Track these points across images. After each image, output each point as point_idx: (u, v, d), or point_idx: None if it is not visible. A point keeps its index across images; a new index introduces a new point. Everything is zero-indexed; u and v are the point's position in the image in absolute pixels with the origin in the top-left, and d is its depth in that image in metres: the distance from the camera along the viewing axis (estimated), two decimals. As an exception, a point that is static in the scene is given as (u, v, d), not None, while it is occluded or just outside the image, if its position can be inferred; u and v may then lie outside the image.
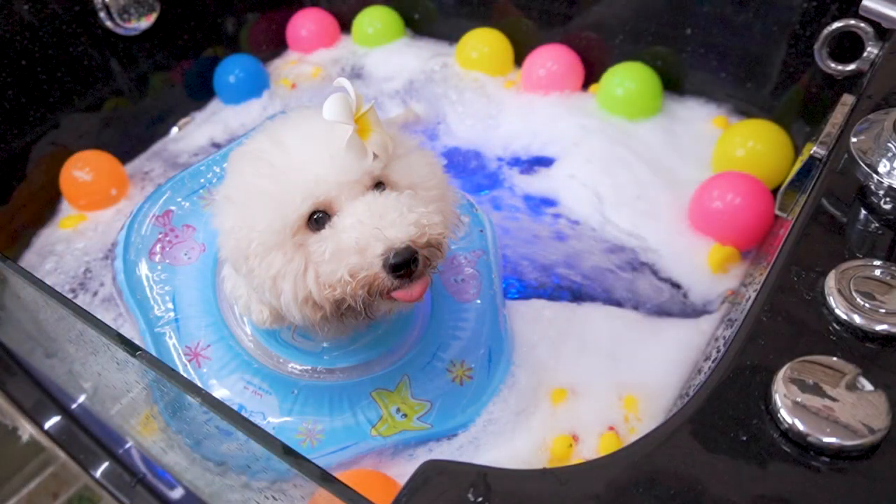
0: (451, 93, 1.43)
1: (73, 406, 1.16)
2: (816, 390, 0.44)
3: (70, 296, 1.10)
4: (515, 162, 1.28)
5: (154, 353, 0.81)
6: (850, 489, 0.41)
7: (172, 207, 0.91)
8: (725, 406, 0.46)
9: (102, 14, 1.32)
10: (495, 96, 1.41)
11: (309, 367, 0.81)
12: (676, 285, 1.04)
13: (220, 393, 0.81)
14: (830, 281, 0.52)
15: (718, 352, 0.76)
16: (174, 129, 1.49)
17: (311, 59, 1.64)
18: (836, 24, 0.99)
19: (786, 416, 0.44)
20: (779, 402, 0.44)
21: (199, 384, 0.80)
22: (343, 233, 0.63)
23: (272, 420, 0.79)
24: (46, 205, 1.29)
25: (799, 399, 0.44)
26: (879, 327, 0.49)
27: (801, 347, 0.49)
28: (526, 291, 1.05)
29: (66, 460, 1.13)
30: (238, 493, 0.75)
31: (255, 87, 1.52)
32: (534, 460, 0.82)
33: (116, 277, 0.88)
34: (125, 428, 1.04)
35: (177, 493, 1.06)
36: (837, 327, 0.50)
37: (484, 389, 0.85)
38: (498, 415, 0.84)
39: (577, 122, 1.30)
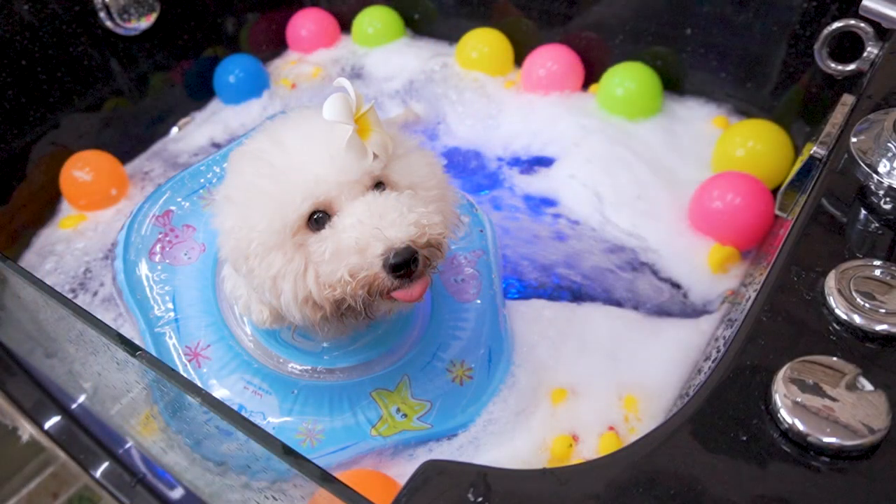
0: (451, 93, 1.43)
1: (73, 406, 1.16)
2: (816, 390, 0.44)
3: (70, 296, 1.10)
4: (515, 162, 1.28)
5: (154, 353, 0.81)
6: (850, 489, 0.41)
7: (172, 207, 0.91)
8: (725, 406, 0.46)
9: (102, 14, 1.32)
10: (495, 96, 1.41)
11: (309, 367, 0.81)
12: (676, 285, 1.04)
13: (220, 393, 0.81)
14: (830, 281, 0.52)
15: (718, 352, 0.76)
16: (174, 129, 1.49)
17: (311, 59, 1.64)
18: (836, 24, 0.99)
19: (786, 416, 0.44)
20: (779, 402, 0.44)
21: (199, 384, 0.80)
22: (343, 233, 0.63)
23: (272, 420, 0.79)
24: (46, 205, 1.29)
25: (799, 399, 0.44)
26: (879, 327, 0.49)
27: (801, 347, 0.49)
28: (526, 291, 1.05)
29: (66, 460, 1.13)
30: (238, 493, 0.75)
31: (255, 87, 1.52)
32: (534, 460, 0.82)
33: (116, 277, 0.88)
34: (125, 428, 1.04)
35: (177, 493, 1.06)
36: (837, 327, 0.50)
37: (484, 389, 0.85)
38: (498, 415, 0.84)
39: (577, 122, 1.30)
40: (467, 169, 1.29)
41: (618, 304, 1.01)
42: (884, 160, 0.58)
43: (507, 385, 0.87)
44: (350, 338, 0.81)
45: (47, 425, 1.15)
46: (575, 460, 0.81)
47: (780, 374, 0.46)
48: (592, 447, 0.83)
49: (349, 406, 0.80)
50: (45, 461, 1.21)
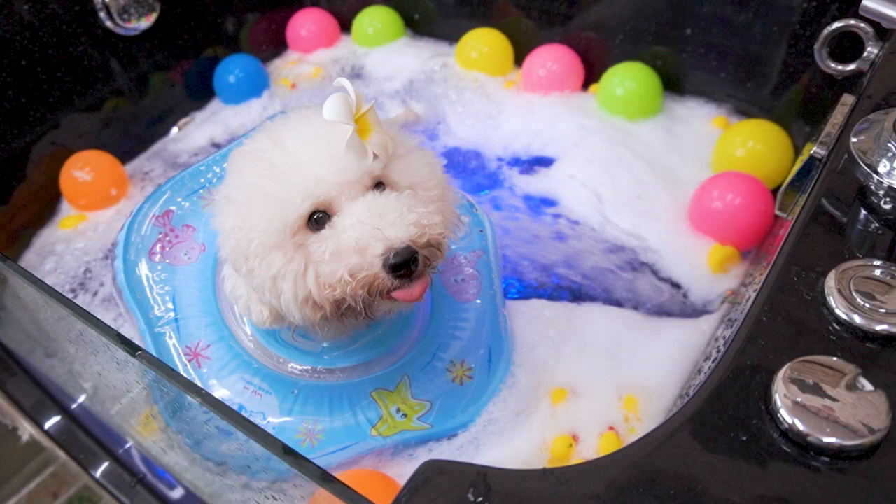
0: (451, 93, 1.43)
1: (73, 406, 1.16)
2: (816, 390, 0.44)
3: (70, 296, 1.10)
4: (515, 162, 1.28)
5: (154, 353, 0.81)
6: (850, 489, 0.41)
7: (172, 207, 0.91)
8: (725, 406, 0.46)
9: (102, 14, 1.32)
10: (495, 96, 1.41)
11: (309, 367, 0.81)
12: (676, 285, 1.04)
13: (220, 393, 0.81)
14: (830, 281, 0.52)
15: (718, 352, 0.76)
16: (174, 129, 1.49)
17: (311, 59, 1.64)
18: (836, 24, 0.99)
19: (786, 416, 0.44)
20: (779, 402, 0.44)
21: (199, 384, 0.80)
22: (343, 233, 0.63)
23: (272, 420, 0.79)
24: (46, 205, 1.29)
25: (799, 399, 0.44)
26: (879, 327, 0.49)
27: (801, 347, 0.49)
28: (526, 291, 1.05)
29: (66, 460, 1.13)
30: (238, 493, 0.75)
31: (255, 87, 1.52)
32: (534, 460, 0.82)
33: (116, 277, 0.88)
34: (125, 428, 1.04)
35: (177, 493, 1.06)
36: (837, 327, 0.50)
37: (484, 389, 0.85)
38: (498, 415, 0.84)
39: (577, 122, 1.30)
40: (467, 169, 1.29)
41: (618, 304, 1.01)
42: (884, 160, 0.58)
43: (507, 385, 0.87)
44: (350, 338, 0.81)
45: (47, 425, 1.15)
46: (575, 460, 0.81)
47: (780, 374, 0.46)
48: (592, 447, 0.83)
49: (349, 406, 0.80)
50: (45, 461, 1.21)
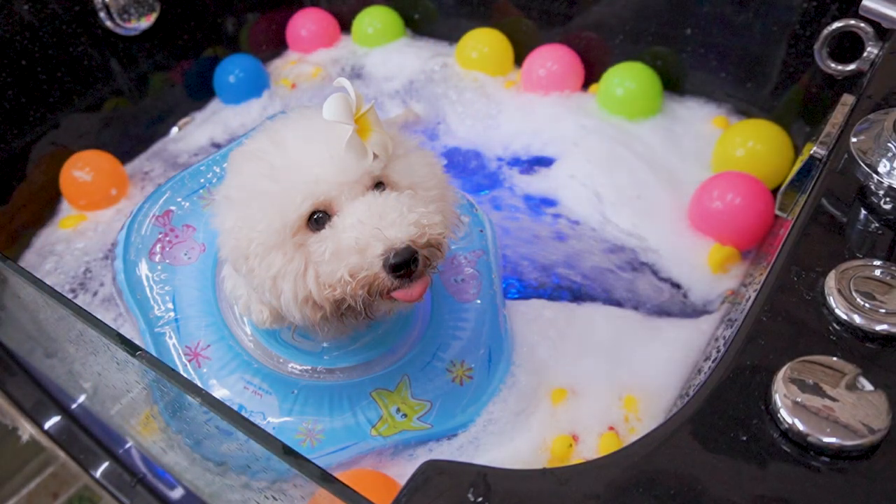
0: (451, 93, 1.43)
1: (73, 406, 1.16)
2: (816, 390, 0.44)
3: (70, 296, 1.10)
4: (515, 162, 1.28)
5: (154, 353, 0.81)
6: (850, 489, 0.41)
7: (172, 207, 0.91)
8: (725, 406, 0.46)
9: (102, 14, 1.32)
10: (495, 96, 1.41)
11: (309, 367, 0.81)
12: (676, 285, 1.04)
13: (220, 393, 0.81)
14: (830, 281, 0.52)
15: (718, 352, 0.76)
16: (174, 129, 1.49)
17: (311, 59, 1.64)
18: (836, 24, 0.99)
19: (786, 416, 0.44)
20: (779, 402, 0.44)
21: (199, 384, 0.80)
22: (343, 233, 0.63)
23: (272, 420, 0.79)
24: (46, 205, 1.29)
25: (799, 399, 0.44)
26: (879, 327, 0.49)
27: (801, 347, 0.49)
28: (526, 291, 1.05)
29: (66, 460, 1.13)
30: (238, 493, 0.75)
31: (255, 87, 1.52)
32: (534, 460, 0.82)
33: (116, 277, 0.88)
34: (125, 428, 1.04)
35: (177, 493, 1.06)
36: (837, 327, 0.50)
37: (484, 389, 0.85)
38: (498, 415, 0.84)
39: (577, 122, 1.30)
40: (467, 169, 1.29)
41: (618, 304, 1.01)
42: (884, 160, 0.58)
43: (507, 385, 0.87)
44: (350, 338, 0.81)
45: (47, 425, 1.15)
46: (575, 460, 0.81)
47: (780, 374, 0.46)
48: (592, 447, 0.83)
49: (349, 406, 0.80)
50: (45, 461, 1.21)
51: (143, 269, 0.87)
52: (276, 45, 1.69)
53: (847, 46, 1.02)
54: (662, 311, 1.00)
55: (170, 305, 0.85)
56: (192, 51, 1.51)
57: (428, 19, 1.61)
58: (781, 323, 0.51)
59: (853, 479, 0.42)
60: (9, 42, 1.21)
